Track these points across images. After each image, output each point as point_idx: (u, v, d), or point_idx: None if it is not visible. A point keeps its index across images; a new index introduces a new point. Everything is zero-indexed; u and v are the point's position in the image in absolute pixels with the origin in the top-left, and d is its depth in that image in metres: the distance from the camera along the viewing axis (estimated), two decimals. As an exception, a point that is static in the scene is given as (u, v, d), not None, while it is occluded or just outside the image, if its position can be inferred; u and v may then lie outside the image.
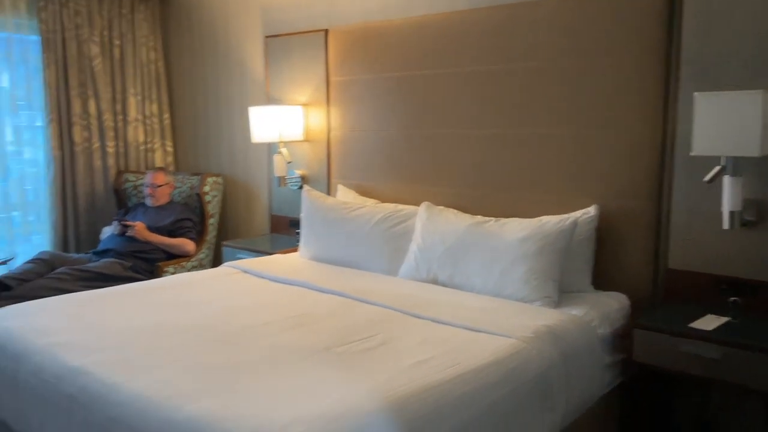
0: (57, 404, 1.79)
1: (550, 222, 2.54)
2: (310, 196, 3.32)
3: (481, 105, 2.99)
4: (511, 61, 2.87)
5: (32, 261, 3.55)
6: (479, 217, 2.79)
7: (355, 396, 1.60)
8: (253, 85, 4.12)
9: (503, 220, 2.69)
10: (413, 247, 2.85)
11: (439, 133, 3.16)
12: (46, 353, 1.94)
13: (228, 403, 1.57)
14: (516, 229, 2.58)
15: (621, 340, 2.39)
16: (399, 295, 2.53)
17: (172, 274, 3.81)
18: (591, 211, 2.62)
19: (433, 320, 2.25)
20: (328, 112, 3.64)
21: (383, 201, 3.33)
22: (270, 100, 3.94)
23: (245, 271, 3.02)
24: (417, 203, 3.05)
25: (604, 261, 2.67)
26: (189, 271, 3.95)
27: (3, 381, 2.02)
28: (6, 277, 3.33)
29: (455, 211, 2.88)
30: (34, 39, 4.09)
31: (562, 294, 2.54)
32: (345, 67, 3.53)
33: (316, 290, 2.67)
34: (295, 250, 3.43)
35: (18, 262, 3.79)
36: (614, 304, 2.50)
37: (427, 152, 3.22)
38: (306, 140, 3.76)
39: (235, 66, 4.23)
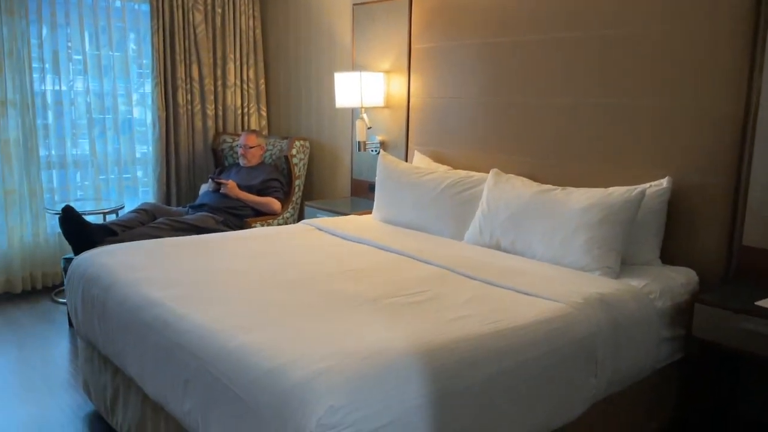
0: (135, 330, 2.03)
1: (617, 192, 2.49)
2: (384, 160, 3.42)
3: (560, 73, 2.95)
4: (594, 28, 2.80)
5: (136, 210, 3.90)
6: (546, 185, 2.77)
7: (390, 339, 1.70)
8: (341, 52, 4.25)
9: (570, 189, 2.66)
10: (478, 213, 2.89)
11: (516, 102, 3.14)
12: (131, 286, 2.19)
13: (275, 336, 1.72)
14: (581, 198, 2.55)
15: (682, 315, 2.33)
16: (457, 257, 2.59)
17: (258, 230, 4.07)
18: (663, 183, 2.54)
19: (485, 282, 2.30)
20: (409, 79, 3.71)
21: (456, 168, 3.37)
22: (355, 66, 4.06)
23: (319, 229, 3.18)
24: (487, 171, 3.07)
25: (675, 235, 2.59)
26: (274, 228, 4.19)
27: (95, 308, 2.30)
28: (113, 223, 3.70)
29: (523, 178, 2.88)
30: (145, 8, 4.43)
31: (625, 266, 2.50)
32: (427, 35, 3.58)
33: (380, 248, 2.78)
34: (370, 213, 3.56)
35: (125, 212, 4.20)
36: (680, 278, 2.43)
37: (502, 120, 3.22)
38: (386, 106, 3.86)
39: (325, 33, 4.38)
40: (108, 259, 2.47)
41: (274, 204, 4.17)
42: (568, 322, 1.99)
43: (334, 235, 3.08)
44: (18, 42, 3.96)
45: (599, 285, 2.27)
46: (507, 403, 1.76)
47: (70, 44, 4.20)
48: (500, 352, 1.77)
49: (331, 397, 1.44)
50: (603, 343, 2.04)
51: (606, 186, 2.64)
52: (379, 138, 3.95)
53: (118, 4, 4.36)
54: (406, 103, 3.74)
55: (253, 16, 4.85)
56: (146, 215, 3.89)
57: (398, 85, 3.78)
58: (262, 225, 4.10)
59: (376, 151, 3.94)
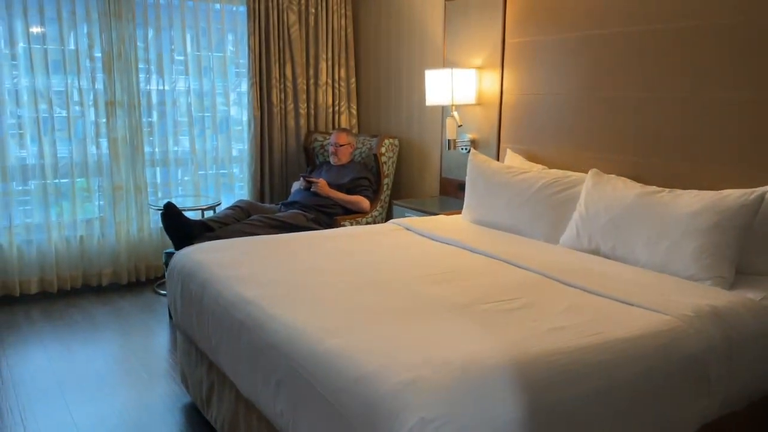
0: (229, 327, 2.07)
1: (732, 195, 2.29)
2: (475, 159, 3.34)
3: (663, 66, 2.75)
4: (702, 17, 2.59)
5: (231, 207, 4.03)
6: (651, 186, 2.60)
7: (483, 349, 1.64)
8: (431, 49, 4.20)
9: (677, 191, 2.48)
10: (576, 216, 2.75)
11: (615, 97, 2.97)
12: (225, 283, 2.24)
13: (364, 341, 1.69)
14: (690, 201, 2.37)
15: (808, 332, 2.11)
16: (552, 261, 2.48)
17: (348, 228, 4.09)
18: (786, 186, 2.31)
19: (584, 289, 2.18)
20: (502, 75, 3.60)
21: (551, 167, 3.24)
22: (446, 63, 3.99)
23: (407, 228, 3.15)
24: (585, 171, 2.92)
25: (799, 244, 2.35)
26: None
27: (193, 304, 2.38)
28: (210, 219, 3.83)
29: (624, 179, 2.72)
30: (242, 10, 4.56)
31: (740, 276, 2.30)
32: (521, 29, 3.45)
33: (470, 251, 2.71)
34: (460, 213, 3.49)
35: (221, 208, 4.35)
36: (804, 292, 2.20)
37: (600, 117, 3.05)
38: (478, 104, 3.77)
39: (416, 30, 4.33)
40: (203, 256, 2.54)
41: (363, 202, 4.18)
42: (677, 336, 1.84)
43: (422, 235, 3.03)
44: (126, 45, 4.18)
45: (711, 296, 2.10)
46: (607, 421, 1.65)
47: (173, 46, 4.39)
48: (601, 367, 1.66)
49: (422, 409, 1.40)
50: (716, 360, 1.88)
51: (717, 188, 2.44)
52: (469, 136, 3.86)
53: (217, 6, 4.52)
54: (498, 100, 3.64)
55: (345, 16, 4.88)
56: (241, 212, 4.00)
57: (491, 82, 3.67)
58: (351, 223, 4.12)
59: (466, 149, 3.86)
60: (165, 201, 4.21)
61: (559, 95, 3.26)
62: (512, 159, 3.43)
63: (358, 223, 4.16)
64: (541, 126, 3.38)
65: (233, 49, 4.64)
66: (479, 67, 3.74)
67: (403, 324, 1.84)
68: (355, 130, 5.00)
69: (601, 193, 2.68)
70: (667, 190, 2.52)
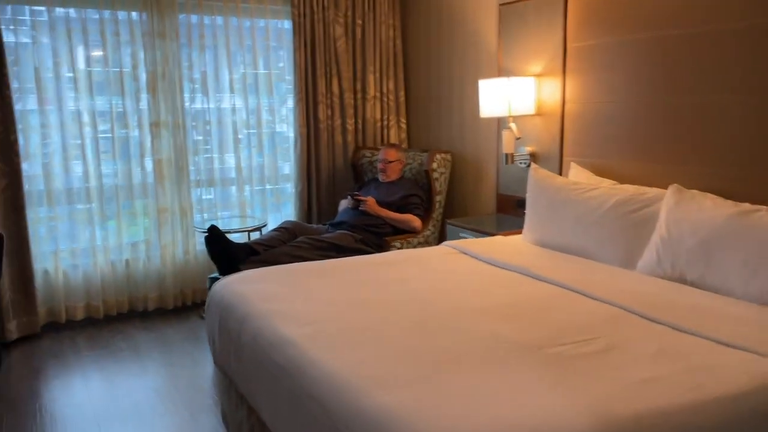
0: (268, 370, 1.87)
1: None
2: (536, 174, 3.06)
3: (750, 67, 2.42)
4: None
5: (277, 229, 3.86)
6: (745, 204, 2.27)
7: (565, 409, 1.37)
8: (485, 58, 3.94)
9: (779, 210, 2.14)
10: (655, 238, 2.44)
11: (694, 102, 2.65)
12: (264, 319, 2.04)
13: (422, 397, 1.45)
14: (797, 221, 2.03)
15: None
16: (632, 292, 2.18)
17: (399, 249, 3.86)
18: None
19: (674, 327, 1.88)
20: (564, 82, 3.31)
21: (622, 182, 2.92)
22: (501, 72, 3.73)
23: (463, 252, 2.90)
24: (663, 186, 2.61)
25: None
26: (415, 247, 3.97)
27: (231, 341, 2.18)
28: (255, 242, 3.67)
29: (712, 196, 2.39)
30: (288, 25, 4.42)
31: None
32: (585, 31, 3.16)
33: (535, 278, 2.44)
34: (519, 233, 3.21)
35: (268, 229, 4.19)
36: None
37: (678, 124, 2.73)
38: (537, 114, 3.48)
39: (468, 38, 4.09)
40: (243, 287, 2.35)
41: (414, 221, 3.94)
42: (798, 390, 1.52)
43: (480, 260, 2.77)
44: (170, 64, 4.09)
45: (831, 337, 1.76)
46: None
47: (217, 64, 4.28)
48: (707, 432, 1.37)
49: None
50: None
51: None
52: (528, 149, 3.58)
53: (262, 23, 4.39)
54: (560, 109, 3.35)
55: (393, 26, 4.68)
56: (287, 234, 3.83)
57: (551, 90, 3.39)
58: (402, 244, 3.89)
59: (525, 163, 3.58)
60: (209, 224, 4.10)
61: (629, 102, 2.96)
62: (578, 174, 3.13)
63: (408, 244, 3.93)
64: (609, 137, 3.07)
65: (278, 65, 4.50)
66: (538, 75, 3.46)
67: (462, 374, 1.59)
68: (404, 145, 4.77)
69: (685, 212, 2.36)
70: (765, 208, 2.19)
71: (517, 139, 3.56)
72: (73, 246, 4.00)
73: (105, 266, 4.07)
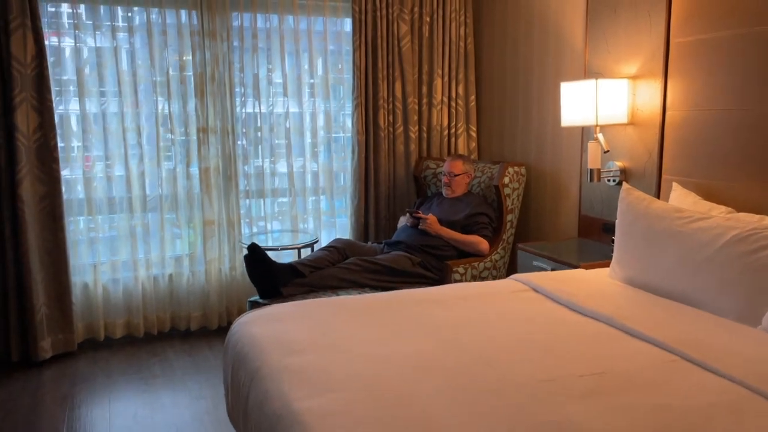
0: (272, 451, 1.46)
1: None
2: (629, 197, 2.51)
3: None
4: None
5: (326, 248, 3.48)
6: None
7: None
8: (569, 57, 3.41)
9: None
10: (791, 287, 1.86)
11: None
12: (275, 380, 1.63)
13: None
14: None
15: None
16: (765, 362, 1.62)
17: (461, 275, 3.40)
18: None
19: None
20: (665, 85, 2.74)
21: (738, 210, 2.34)
22: (588, 73, 3.19)
23: (535, 289, 2.39)
24: (800, 218, 2.02)
25: None
26: (480, 273, 3.48)
27: (239, 400, 1.80)
28: (301, 263, 3.30)
29: None
30: (347, 25, 4.04)
31: None
32: (695, 23, 2.59)
33: (628, 333, 1.91)
34: (606, 265, 2.67)
35: (321, 245, 3.83)
36: None
37: (823, 140, 2.12)
38: (630, 123, 2.93)
39: (551, 36, 3.56)
40: (262, 330, 1.96)
41: (481, 244, 3.46)
42: None
43: (556, 301, 2.26)
44: (220, 66, 3.80)
45: None
46: None
47: (270, 66, 3.96)
48: None
49: None
50: None
51: None
52: (619, 164, 3.02)
53: (319, 26, 4.02)
54: (659, 118, 2.78)
55: (465, 24, 4.21)
56: (337, 254, 3.45)
57: (649, 95, 2.83)
58: (465, 269, 3.41)
59: (614, 181, 3.03)
60: (257, 238, 3.78)
61: (748, 110, 2.36)
62: (681, 197, 2.55)
63: (474, 269, 3.45)
64: (723, 152, 2.49)
65: (336, 68, 4.13)
66: (633, 77, 2.90)
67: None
68: (473, 156, 4.29)
69: (836, 256, 1.77)
70: None
71: (606, 152, 3.01)
72: (113, 258, 3.77)
73: (147, 281, 3.82)
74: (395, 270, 3.31)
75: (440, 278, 3.40)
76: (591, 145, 3.02)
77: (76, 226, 3.65)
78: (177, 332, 3.92)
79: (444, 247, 3.46)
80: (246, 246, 3.28)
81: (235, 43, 3.85)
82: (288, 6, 3.92)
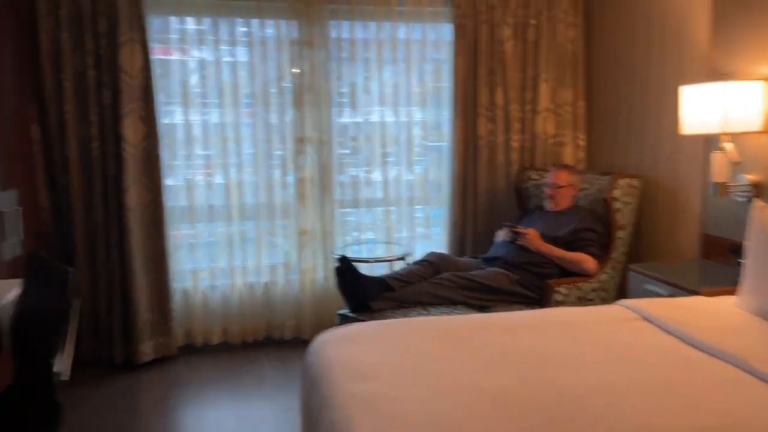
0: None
1: None
2: (763, 214, 2.17)
3: None
4: None
5: (419, 262, 3.34)
6: None
7: None
8: (692, 57, 3.06)
9: None
10: None
11: None
12: (342, 410, 1.50)
13: None
14: None
15: None
16: None
17: (564, 295, 3.14)
18: None
19: None
20: (811, 86, 2.36)
21: None
22: (714, 75, 2.83)
23: (645, 318, 2.12)
24: None
25: None
26: (587, 294, 3.20)
27: (311, 427, 1.68)
28: (391, 277, 3.19)
29: None
30: (447, 31, 3.90)
31: None
32: None
33: (760, 378, 1.61)
34: (732, 292, 2.33)
35: (414, 258, 3.70)
36: None
37: None
38: (765, 131, 2.55)
39: (671, 35, 3.22)
40: (338, 352, 1.85)
41: (587, 262, 3.18)
42: None
43: (671, 334, 1.98)
44: (318, 75, 3.78)
45: None
46: None
47: (367, 75, 3.89)
48: None
49: None
50: None
51: None
52: (750, 178, 2.65)
53: (417, 34, 3.90)
54: (802, 124, 2.40)
55: (575, 25, 3.93)
56: (430, 268, 3.30)
57: (789, 98, 2.45)
58: (569, 289, 3.15)
59: (745, 197, 2.65)
60: (351, 248, 3.71)
61: None
62: (830, 217, 2.17)
63: (578, 290, 3.17)
64: None
65: (435, 75, 3.98)
66: (769, 77, 2.54)
67: None
68: (581, 166, 3.99)
69: None
70: None
71: (736, 164, 2.65)
72: (212, 266, 3.84)
73: (243, 289, 3.86)
74: (491, 288, 3.12)
75: (540, 297, 3.15)
76: (716, 156, 2.68)
77: (178, 233, 3.76)
78: (272, 341, 3.93)
79: (545, 265, 3.22)
80: (337, 257, 3.21)
81: (333, 53, 3.82)
82: (386, 13, 3.83)
